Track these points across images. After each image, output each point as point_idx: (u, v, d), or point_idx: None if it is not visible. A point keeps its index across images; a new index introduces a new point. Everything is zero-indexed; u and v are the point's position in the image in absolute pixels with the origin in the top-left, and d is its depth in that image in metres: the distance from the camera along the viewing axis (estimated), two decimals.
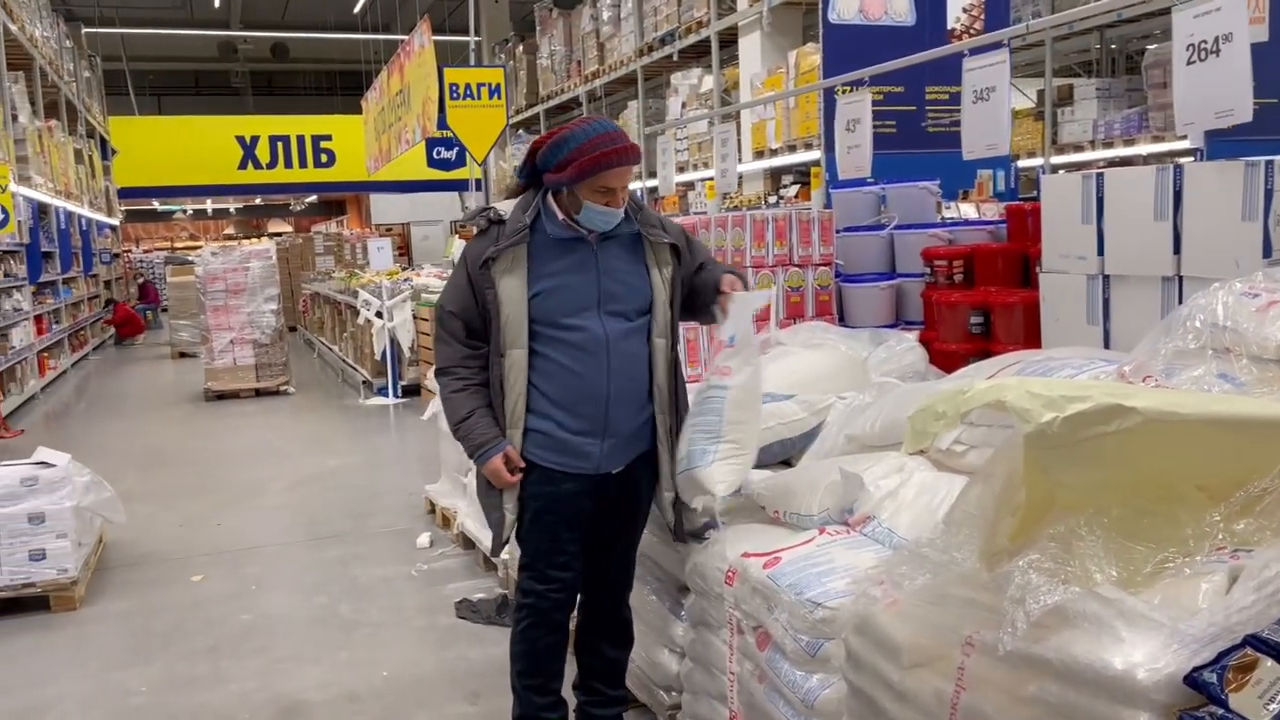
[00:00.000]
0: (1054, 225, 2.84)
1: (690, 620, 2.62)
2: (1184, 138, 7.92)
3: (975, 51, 3.44)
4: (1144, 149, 8.71)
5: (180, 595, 4.34)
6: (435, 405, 3.76)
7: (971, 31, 7.10)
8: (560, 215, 2.47)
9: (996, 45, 3.32)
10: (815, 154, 7.56)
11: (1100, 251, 2.70)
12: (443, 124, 9.52)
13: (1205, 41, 2.39)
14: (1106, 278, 2.70)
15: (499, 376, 2.49)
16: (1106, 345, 2.71)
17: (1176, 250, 2.51)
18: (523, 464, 2.50)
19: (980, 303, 3.21)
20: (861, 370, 3.10)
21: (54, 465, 4.22)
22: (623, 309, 2.49)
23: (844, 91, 6.53)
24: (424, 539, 4.79)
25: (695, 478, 2.39)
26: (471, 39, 11.75)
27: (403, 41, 11.06)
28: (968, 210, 6.18)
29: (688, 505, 2.54)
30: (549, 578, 2.58)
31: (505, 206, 2.54)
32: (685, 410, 2.61)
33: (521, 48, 15.23)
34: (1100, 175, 2.69)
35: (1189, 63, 2.46)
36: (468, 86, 9.07)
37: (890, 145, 7.71)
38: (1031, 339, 3.04)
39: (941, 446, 2.34)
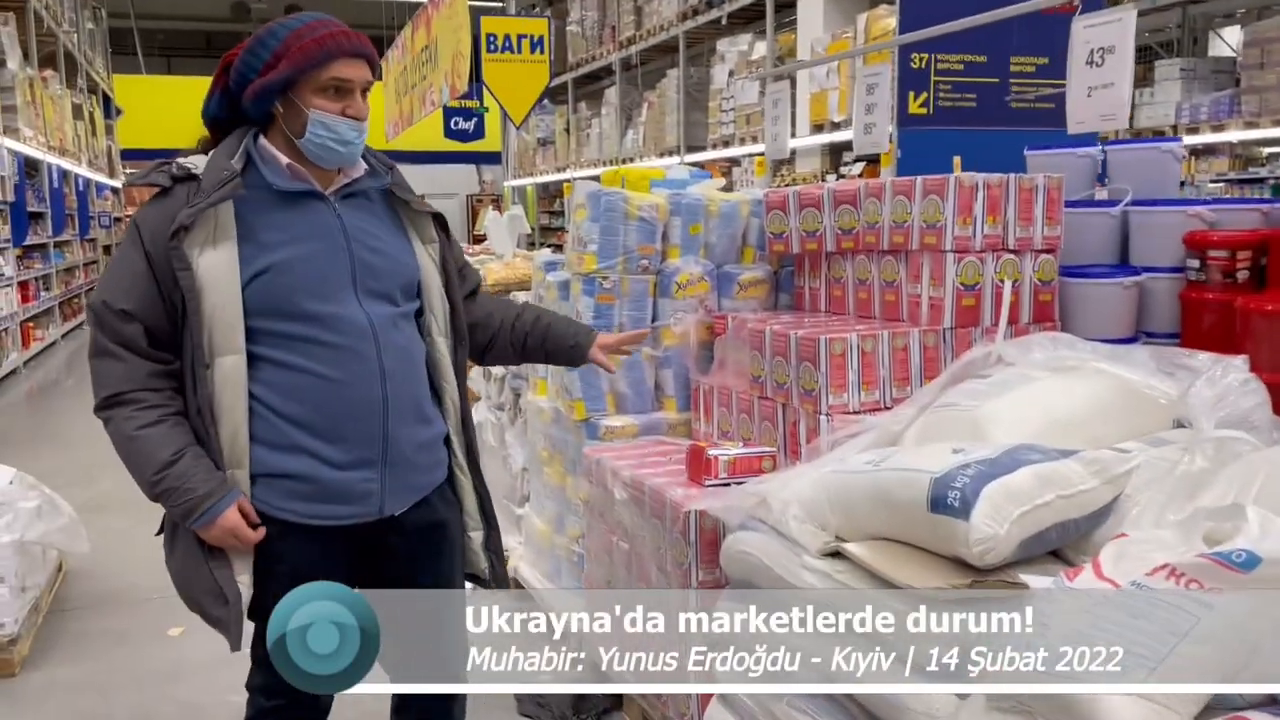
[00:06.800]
0: None
1: None
2: None
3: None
4: (1234, 135, 7.99)
5: (152, 658, 3.35)
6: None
7: None
8: (284, 160, 1.84)
9: None
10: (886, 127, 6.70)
11: None
12: (475, 90, 8.52)
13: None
14: None
15: (206, 398, 1.79)
16: None
17: None
18: (257, 519, 1.82)
19: None
20: (1153, 410, 2.09)
21: None
22: (384, 288, 1.89)
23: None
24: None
25: (1084, 707, 1.33)
26: None
27: None
28: None
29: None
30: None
31: (195, 160, 1.86)
32: (474, 434, 2.08)
33: (550, 12, 14.30)
34: None
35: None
36: (506, 39, 8.08)
37: (968, 120, 6.77)
38: None
39: None
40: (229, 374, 1.79)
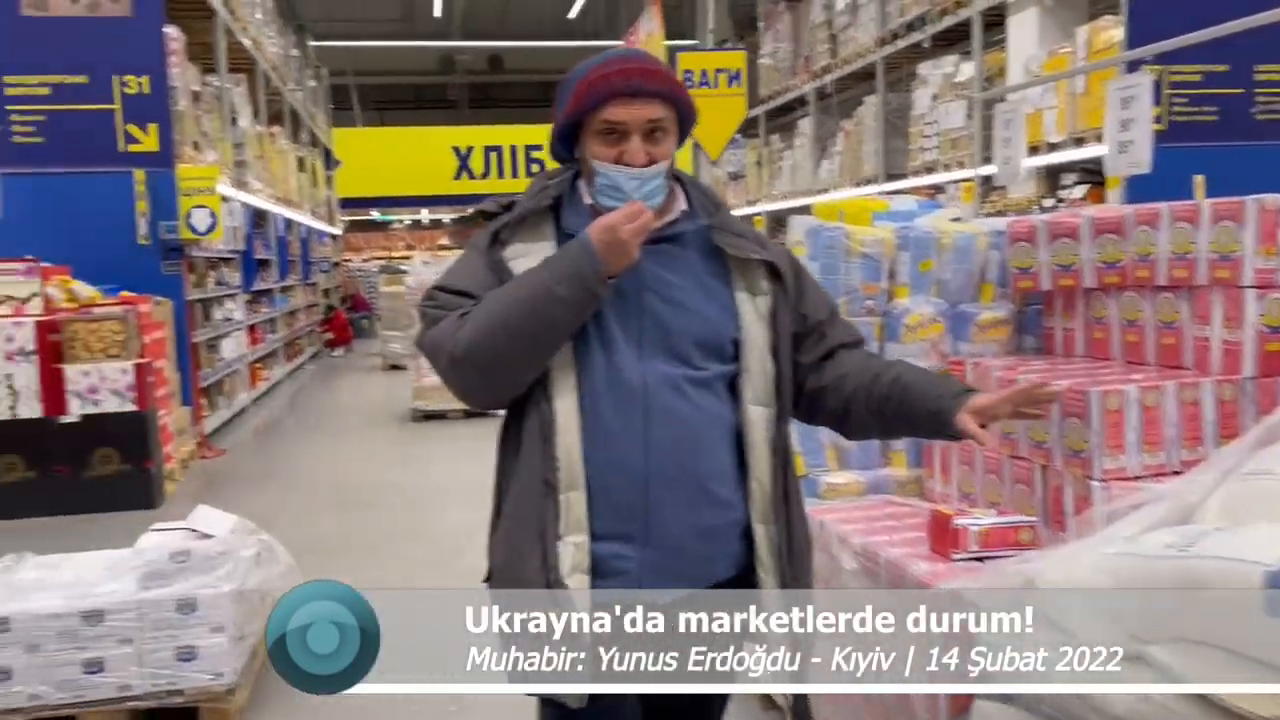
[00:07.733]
0: None
1: None
2: None
3: None
4: None
5: (372, 706, 3.32)
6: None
7: None
8: (587, 200, 1.73)
9: None
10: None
11: None
12: None
13: None
14: None
15: (538, 429, 1.65)
16: None
17: None
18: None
19: None
20: None
21: (211, 536, 3.30)
22: (674, 346, 1.68)
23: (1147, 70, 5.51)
24: None
25: None
26: (711, 22, 10.68)
27: (629, 29, 10.12)
28: None
29: None
30: None
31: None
32: (802, 524, 1.74)
33: (743, 45, 14.29)
34: None
35: None
36: (704, 73, 7.97)
37: (1208, 136, 6.13)
38: None
39: None
40: (566, 414, 1.66)
